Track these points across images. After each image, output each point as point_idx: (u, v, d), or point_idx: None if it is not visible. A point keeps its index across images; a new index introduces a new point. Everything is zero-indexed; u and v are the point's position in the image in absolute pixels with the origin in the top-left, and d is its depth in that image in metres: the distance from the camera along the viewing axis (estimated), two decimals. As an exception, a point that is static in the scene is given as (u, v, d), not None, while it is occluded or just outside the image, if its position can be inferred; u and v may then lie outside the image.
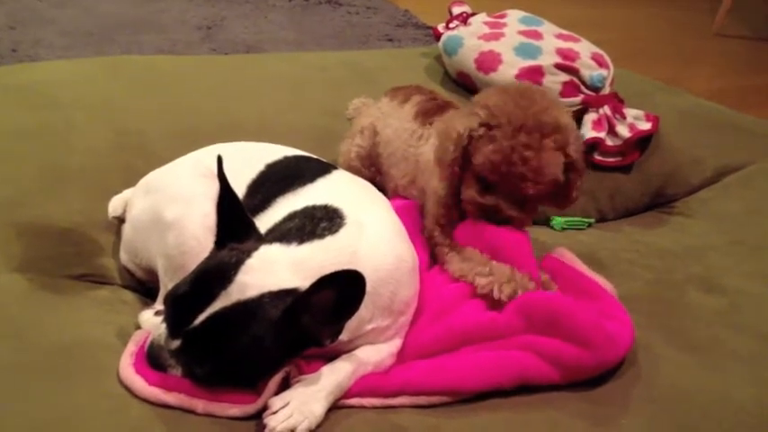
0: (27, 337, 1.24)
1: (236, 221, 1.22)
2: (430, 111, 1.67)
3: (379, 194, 1.49)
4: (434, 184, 1.54)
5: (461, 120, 1.45)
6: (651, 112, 2.03)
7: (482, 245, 1.45)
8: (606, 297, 1.45)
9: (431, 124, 1.64)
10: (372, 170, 1.76)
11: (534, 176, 1.39)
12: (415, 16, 4.06)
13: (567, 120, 1.45)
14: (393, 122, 1.71)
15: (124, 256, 1.50)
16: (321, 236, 1.23)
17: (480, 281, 1.38)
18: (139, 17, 3.59)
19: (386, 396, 1.22)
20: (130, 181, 1.57)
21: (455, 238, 1.50)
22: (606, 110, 1.99)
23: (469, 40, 2.15)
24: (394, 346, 1.30)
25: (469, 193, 1.46)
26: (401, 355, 1.31)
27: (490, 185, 1.44)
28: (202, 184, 1.37)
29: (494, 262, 1.41)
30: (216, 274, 1.14)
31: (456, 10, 2.33)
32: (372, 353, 1.27)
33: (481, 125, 1.42)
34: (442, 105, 1.69)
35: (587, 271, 1.54)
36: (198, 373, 1.15)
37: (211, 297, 1.11)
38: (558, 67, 2.02)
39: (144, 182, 1.52)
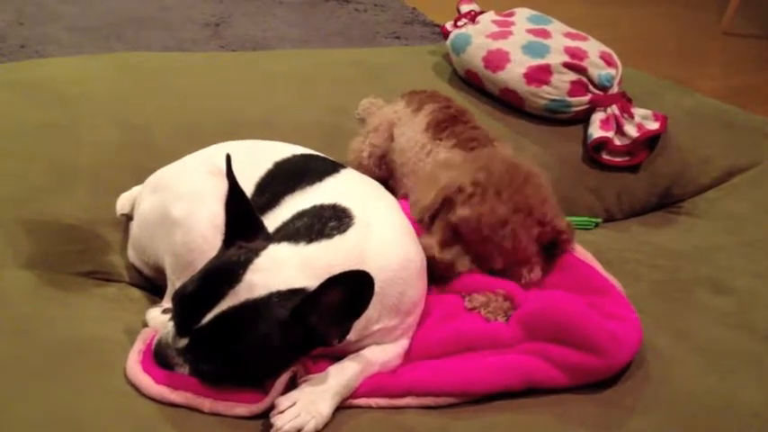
0: (34, 333, 1.24)
1: (244, 220, 1.22)
2: (441, 123, 1.65)
3: (388, 194, 1.48)
4: None
5: (455, 171, 1.44)
6: (659, 112, 2.02)
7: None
8: (614, 294, 1.44)
9: (440, 140, 1.62)
10: (383, 169, 1.75)
11: (510, 254, 1.40)
12: (423, 14, 4.04)
13: (560, 219, 1.46)
14: (407, 131, 1.70)
15: (132, 254, 1.51)
16: (329, 235, 1.22)
17: (466, 304, 1.40)
18: (147, 14, 3.60)
19: (393, 396, 1.22)
20: (138, 178, 1.57)
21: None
22: (614, 109, 1.98)
23: (477, 38, 2.14)
24: (401, 346, 1.30)
25: (428, 242, 1.41)
26: (408, 356, 1.31)
27: (455, 239, 1.42)
28: (211, 182, 1.37)
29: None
30: (224, 272, 1.14)
31: (464, 8, 2.32)
32: (379, 353, 1.27)
33: (475, 184, 1.40)
34: (454, 116, 1.67)
35: (597, 266, 1.52)
36: (205, 372, 1.15)
37: (219, 296, 1.11)
38: (567, 65, 2.01)
39: (152, 179, 1.52)
